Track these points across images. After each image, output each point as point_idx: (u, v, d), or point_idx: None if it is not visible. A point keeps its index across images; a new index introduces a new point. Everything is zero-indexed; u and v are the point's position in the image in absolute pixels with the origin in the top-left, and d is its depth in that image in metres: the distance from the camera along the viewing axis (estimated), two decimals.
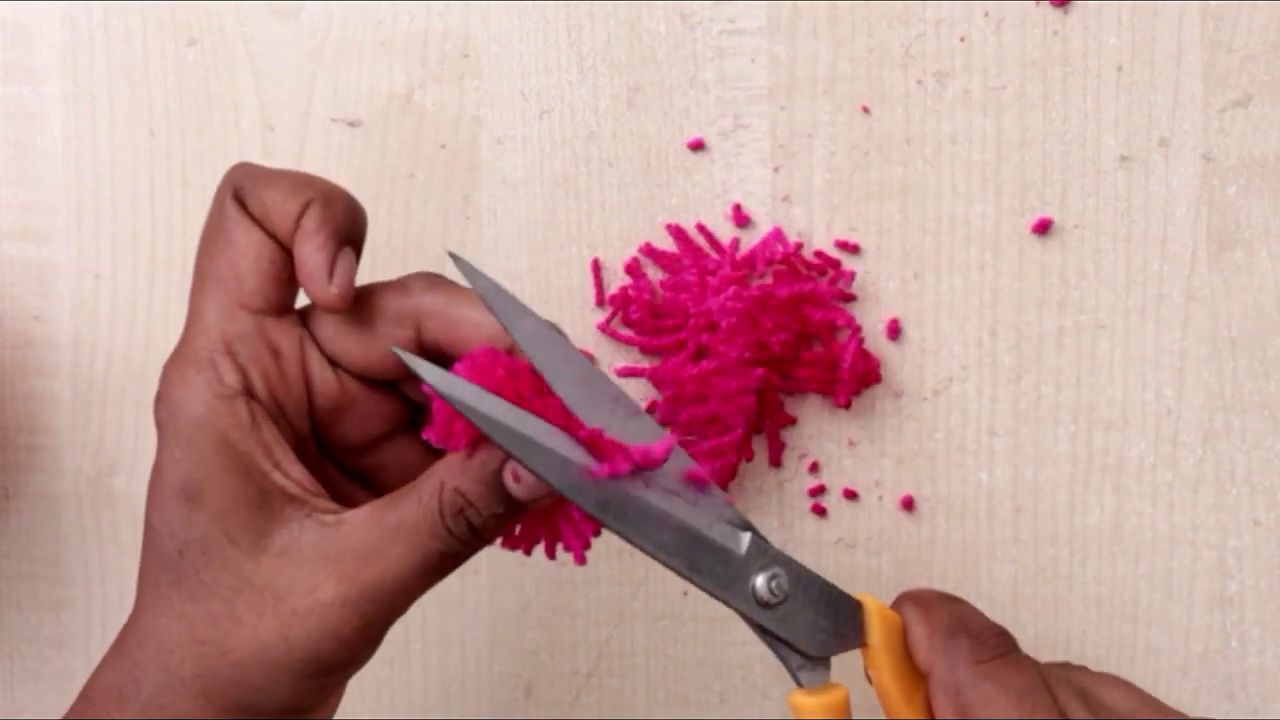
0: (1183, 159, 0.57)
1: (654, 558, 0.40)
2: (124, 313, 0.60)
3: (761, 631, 0.41)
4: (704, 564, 0.40)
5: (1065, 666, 0.44)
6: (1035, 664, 0.42)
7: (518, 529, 0.42)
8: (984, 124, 0.57)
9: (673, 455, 0.40)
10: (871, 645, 0.42)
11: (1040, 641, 0.57)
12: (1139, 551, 0.57)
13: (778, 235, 0.57)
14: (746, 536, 0.41)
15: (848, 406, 0.57)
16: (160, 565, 0.40)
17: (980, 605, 0.56)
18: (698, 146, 0.58)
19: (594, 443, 0.39)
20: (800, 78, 0.58)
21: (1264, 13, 0.56)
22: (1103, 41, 0.57)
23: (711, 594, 0.41)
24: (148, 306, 0.60)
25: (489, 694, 0.59)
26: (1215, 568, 0.56)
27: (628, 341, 0.58)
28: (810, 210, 0.58)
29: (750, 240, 0.58)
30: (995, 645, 0.42)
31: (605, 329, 0.58)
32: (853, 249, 0.57)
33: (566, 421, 0.39)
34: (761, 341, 0.56)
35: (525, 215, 0.59)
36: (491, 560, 0.59)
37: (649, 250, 0.58)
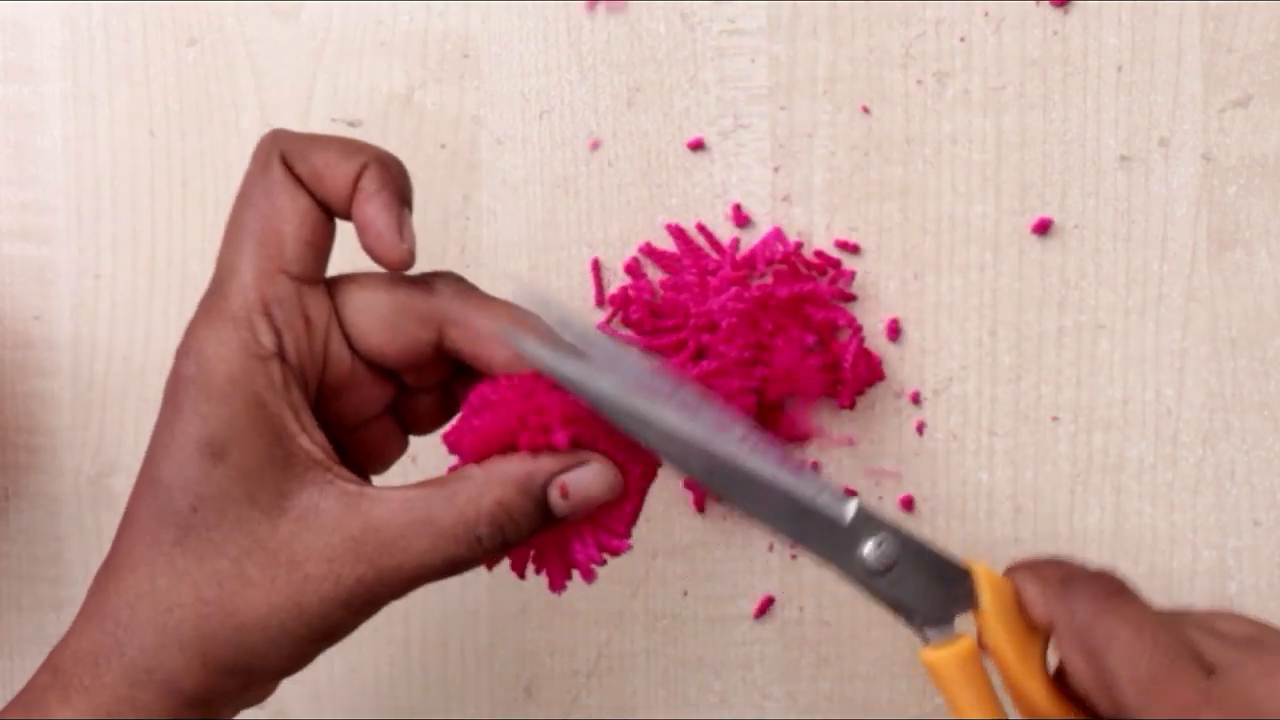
0: (1183, 159, 0.57)
1: (759, 524, 0.41)
2: (124, 313, 0.60)
3: (880, 596, 0.42)
4: (810, 531, 0.41)
5: (1182, 610, 0.44)
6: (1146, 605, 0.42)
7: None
8: (984, 124, 0.57)
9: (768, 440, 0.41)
10: (983, 609, 0.43)
11: None
12: (1139, 551, 0.57)
13: (778, 235, 0.57)
14: (852, 504, 0.42)
15: (852, 407, 0.57)
16: (164, 521, 0.40)
17: None
18: (698, 146, 0.58)
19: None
20: (800, 78, 0.58)
21: (1264, 13, 0.56)
22: (1103, 41, 0.57)
23: (820, 560, 0.42)
24: (148, 306, 0.60)
25: (489, 694, 0.59)
26: (1215, 568, 0.56)
27: (627, 341, 0.58)
28: (810, 210, 0.58)
29: (750, 240, 0.58)
30: (1109, 584, 0.42)
31: (605, 329, 0.58)
32: (853, 249, 0.57)
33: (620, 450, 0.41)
34: (762, 343, 0.56)
35: (525, 215, 0.59)
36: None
37: (649, 250, 0.58)
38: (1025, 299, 0.57)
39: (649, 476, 0.42)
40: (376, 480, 0.44)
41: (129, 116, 0.60)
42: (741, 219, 0.58)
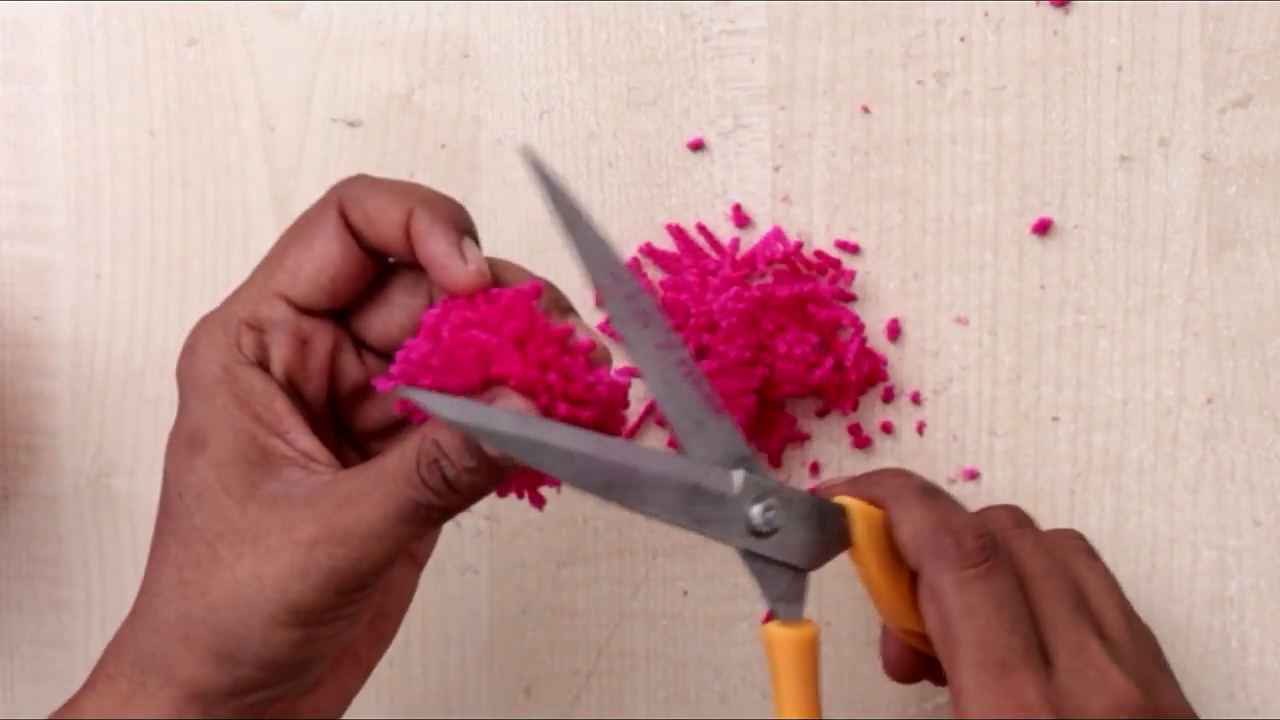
0: (1183, 159, 0.57)
1: (661, 520, 0.42)
2: (124, 313, 0.60)
3: (753, 559, 0.43)
4: (705, 513, 0.42)
5: (1064, 547, 0.47)
6: (1019, 569, 0.45)
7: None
8: (984, 124, 0.57)
9: (694, 382, 0.42)
10: (857, 544, 0.45)
11: None
12: (1139, 551, 0.57)
13: (778, 234, 0.57)
14: (739, 475, 0.43)
15: (854, 408, 0.57)
16: (164, 513, 0.42)
17: None
18: (698, 146, 0.58)
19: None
20: (800, 78, 0.58)
21: (1264, 13, 0.56)
22: (1103, 41, 0.57)
23: (716, 539, 0.42)
24: (148, 306, 0.60)
25: (489, 694, 0.59)
26: (1215, 568, 0.56)
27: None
28: (810, 210, 0.58)
29: (750, 240, 0.58)
30: (978, 551, 0.44)
31: (605, 329, 0.58)
32: (853, 249, 0.57)
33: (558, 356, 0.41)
34: (762, 343, 0.56)
35: (525, 215, 0.59)
36: (492, 560, 0.59)
37: (649, 250, 0.58)
38: (1025, 299, 0.57)
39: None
40: None
41: (129, 116, 0.60)
42: (741, 219, 0.58)
